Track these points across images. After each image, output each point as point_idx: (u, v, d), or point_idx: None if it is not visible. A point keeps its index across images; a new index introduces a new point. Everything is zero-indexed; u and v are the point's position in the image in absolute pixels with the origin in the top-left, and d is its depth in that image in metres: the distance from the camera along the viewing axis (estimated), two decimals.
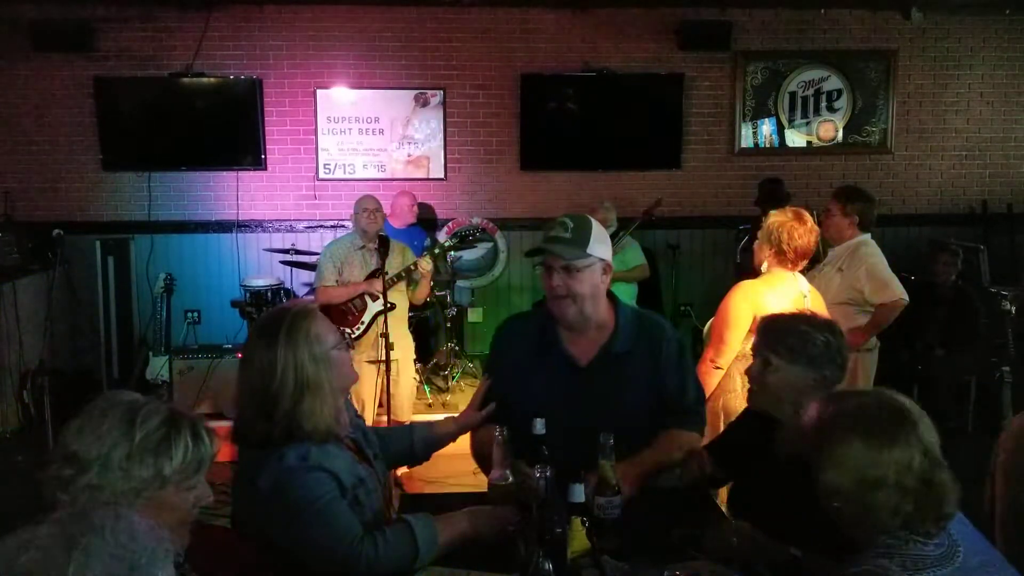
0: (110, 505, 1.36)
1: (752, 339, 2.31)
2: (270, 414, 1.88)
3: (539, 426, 2.11)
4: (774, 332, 2.18)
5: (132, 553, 1.07)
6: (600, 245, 2.35)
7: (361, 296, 4.66)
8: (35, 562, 1.02)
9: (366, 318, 4.66)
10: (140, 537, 1.10)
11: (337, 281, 4.70)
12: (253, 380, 1.90)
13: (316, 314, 1.99)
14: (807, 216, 3.32)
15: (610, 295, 2.47)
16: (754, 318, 3.24)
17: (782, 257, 3.29)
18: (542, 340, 2.45)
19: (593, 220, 2.39)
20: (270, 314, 2.01)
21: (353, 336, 4.62)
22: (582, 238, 2.32)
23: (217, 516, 2.01)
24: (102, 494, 1.39)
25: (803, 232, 3.26)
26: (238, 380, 1.95)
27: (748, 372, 2.25)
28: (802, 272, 3.51)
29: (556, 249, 2.32)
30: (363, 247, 4.69)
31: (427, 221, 6.63)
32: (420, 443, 2.38)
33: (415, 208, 6.14)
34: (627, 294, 5.94)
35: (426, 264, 4.68)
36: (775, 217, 3.34)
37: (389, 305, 4.39)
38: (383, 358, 4.38)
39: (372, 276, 4.64)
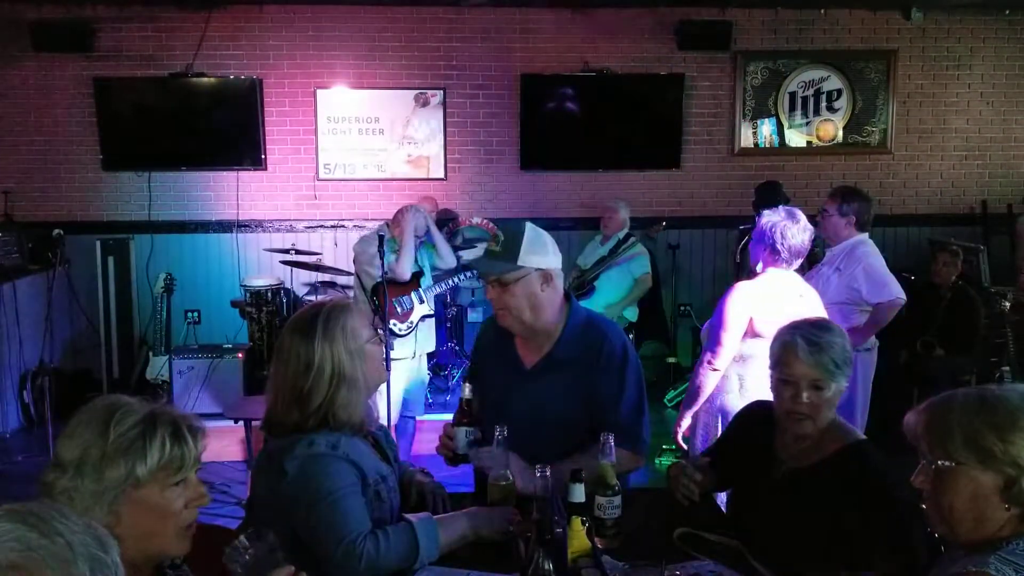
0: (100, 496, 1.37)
1: (778, 367, 2.15)
2: (305, 406, 1.94)
3: (467, 391, 2.36)
4: (821, 352, 2.07)
5: (92, 528, 1.06)
6: (535, 255, 2.34)
7: (409, 295, 4.71)
8: (15, 552, 0.98)
9: (414, 318, 4.73)
10: (81, 518, 1.08)
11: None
12: (289, 373, 1.95)
13: (352, 309, 2.06)
14: (800, 214, 3.31)
15: (568, 297, 2.47)
16: (750, 320, 3.24)
17: (776, 257, 3.28)
18: (501, 341, 2.52)
19: (530, 229, 2.37)
20: (306, 309, 2.08)
21: (400, 334, 4.66)
22: (512, 251, 2.33)
23: (215, 517, 2.01)
24: (77, 496, 1.38)
25: (796, 231, 3.25)
26: (272, 373, 2.02)
27: (796, 405, 2.10)
28: (801, 273, 3.50)
29: (482, 267, 2.39)
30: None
31: (446, 222, 6.63)
32: None
33: (435, 215, 6.17)
34: (629, 297, 5.93)
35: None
36: (768, 217, 3.33)
37: (432, 313, 4.63)
38: (418, 352, 4.69)
39: (415, 278, 4.74)
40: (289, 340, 1.98)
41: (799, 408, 2.09)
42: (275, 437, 1.99)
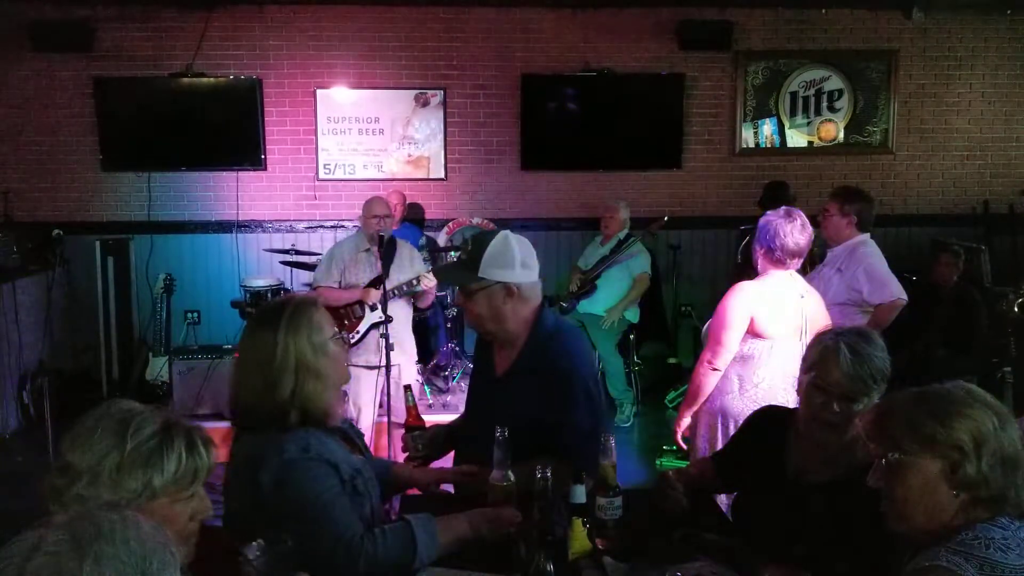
0: (115, 507, 1.35)
1: (813, 371, 2.08)
2: (274, 395, 1.91)
3: (409, 398, 2.53)
4: (862, 363, 2.00)
5: (142, 559, 1.06)
6: (497, 268, 2.33)
7: (360, 303, 4.59)
8: (46, 569, 1.01)
9: (362, 327, 4.59)
10: (148, 541, 1.09)
11: (339, 283, 4.65)
12: (255, 363, 1.94)
13: (318, 305, 2.04)
14: (797, 214, 3.30)
15: (541, 308, 2.43)
16: (751, 320, 3.23)
17: (772, 256, 3.27)
18: (484, 346, 2.57)
19: (499, 241, 2.35)
20: (273, 302, 2.10)
21: (351, 342, 4.55)
22: (474, 262, 2.34)
23: (215, 517, 1.99)
24: (91, 504, 1.37)
25: (791, 230, 3.23)
26: (238, 362, 2.01)
27: (824, 413, 2.03)
28: (802, 274, 3.49)
29: (441, 275, 2.43)
30: (367, 250, 4.61)
31: (417, 221, 6.63)
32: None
33: (401, 208, 6.18)
34: (628, 297, 5.91)
35: (429, 281, 4.54)
36: (766, 216, 3.33)
37: (388, 318, 4.32)
38: (383, 363, 4.34)
39: (374, 283, 4.55)
40: (254, 331, 1.99)
41: (826, 417, 2.04)
42: (246, 429, 1.97)
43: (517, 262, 2.35)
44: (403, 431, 2.57)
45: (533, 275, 2.40)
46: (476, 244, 2.37)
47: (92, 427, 1.43)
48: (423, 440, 2.50)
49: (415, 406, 2.53)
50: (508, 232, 2.41)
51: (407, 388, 2.54)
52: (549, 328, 2.42)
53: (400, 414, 4.71)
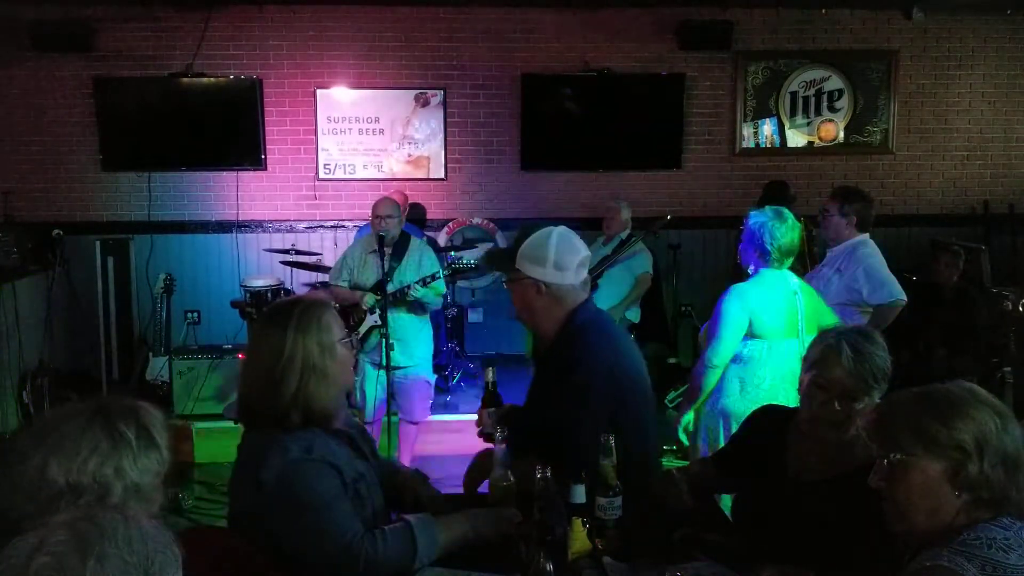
0: (118, 507, 1.35)
1: (815, 369, 2.07)
2: (278, 394, 1.91)
3: (489, 375, 2.58)
4: (863, 361, 2.01)
5: (145, 559, 1.08)
6: (529, 263, 2.36)
7: (357, 305, 4.57)
8: (49, 568, 1.02)
9: (362, 329, 4.58)
10: (150, 541, 1.10)
11: (349, 283, 4.66)
12: (262, 360, 1.94)
13: (329, 307, 2.05)
14: (787, 213, 3.32)
15: (577, 311, 2.42)
16: (749, 321, 3.24)
17: (767, 257, 3.29)
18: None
19: (539, 235, 2.37)
20: (284, 301, 2.10)
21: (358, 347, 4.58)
22: (511, 253, 2.41)
23: (217, 518, 2.00)
24: (139, 498, 1.42)
25: (785, 230, 3.25)
26: (245, 360, 2.03)
27: (824, 412, 2.04)
28: (801, 273, 3.50)
29: (485, 262, 2.46)
30: (374, 251, 4.56)
31: (417, 221, 6.62)
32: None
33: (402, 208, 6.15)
34: (630, 296, 5.90)
35: (414, 293, 4.48)
36: (755, 218, 3.34)
37: (382, 322, 4.31)
38: (383, 363, 4.40)
39: (376, 285, 4.53)
40: (263, 327, 1.99)
41: (827, 415, 2.04)
42: (252, 428, 1.98)
43: (550, 262, 2.36)
44: (480, 408, 2.62)
45: (568, 277, 2.38)
46: (522, 234, 2.42)
47: (77, 443, 1.41)
48: (497, 418, 2.51)
49: (494, 382, 2.57)
50: (559, 229, 2.40)
51: (490, 366, 2.60)
52: (576, 325, 2.41)
53: (404, 414, 4.76)
